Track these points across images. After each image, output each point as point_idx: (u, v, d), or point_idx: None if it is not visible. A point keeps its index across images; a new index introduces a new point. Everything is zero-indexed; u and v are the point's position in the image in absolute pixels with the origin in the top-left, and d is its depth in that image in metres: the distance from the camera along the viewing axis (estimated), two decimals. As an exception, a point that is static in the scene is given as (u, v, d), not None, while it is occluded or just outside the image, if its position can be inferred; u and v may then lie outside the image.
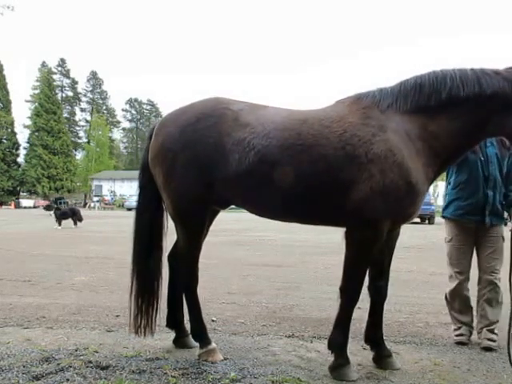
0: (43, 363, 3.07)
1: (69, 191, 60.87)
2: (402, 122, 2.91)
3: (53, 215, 17.43)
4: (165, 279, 3.52)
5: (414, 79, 3.02)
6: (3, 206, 49.50)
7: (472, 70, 2.94)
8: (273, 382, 2.85)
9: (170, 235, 3.46)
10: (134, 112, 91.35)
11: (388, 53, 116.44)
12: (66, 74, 76.30)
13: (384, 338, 3.29)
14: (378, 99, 2.99)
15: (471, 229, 3.75)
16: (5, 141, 57.98)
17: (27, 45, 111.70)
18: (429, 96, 2.93)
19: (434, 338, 3.90)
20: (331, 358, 3.02)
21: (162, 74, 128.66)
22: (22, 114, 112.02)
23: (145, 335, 3.36)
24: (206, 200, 3.15)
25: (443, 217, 3.93)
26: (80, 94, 79.87)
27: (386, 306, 3.31)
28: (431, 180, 3.03)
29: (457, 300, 3.77)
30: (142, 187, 3.46)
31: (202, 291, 3.42)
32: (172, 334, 3.56)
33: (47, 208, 17.81)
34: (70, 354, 3.25)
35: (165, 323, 3.55)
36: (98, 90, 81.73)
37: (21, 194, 60.21)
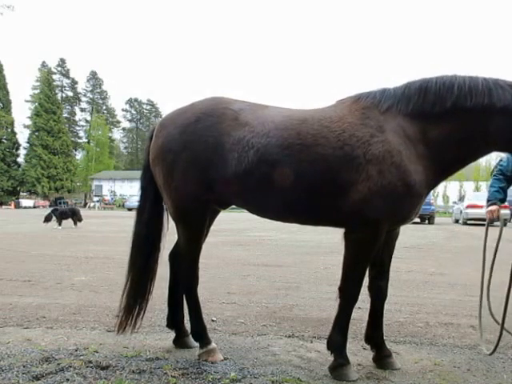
0: (43, 363, 3.07)
1: (69, 191, 60.94)
2: (402, 125, 2.88)
3: (54, 219, 17.10)
4: (165, 279, 3.52)
5: (420, 83, 2.95)
6: (3, 206, 49.53)
7: (485, 79, 2.84)
8: (273, 382, 2.85)
9: (170, 235, 3.46)
10: (133, 112, 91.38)
11: (390, 53, 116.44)
12: (66, 74, 76.34)
13: (384, 337, 3.29)
14: (378, 100, 2.96)
15: None
16: (5, 141, 58.03)
17: (27, 45, 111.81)
18: (433, 102, 2.86)
19: (434, 337, 3.90)
20: (331, 358, 3.02)
21: (162, 74, 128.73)
22: (21, 114, 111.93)
23: (125, 333, 3.32)
24: (206, 200, 3.14)
25: None
26: (80, 94, 79.94)
27: (386, 306, 3.30)
28: (431, 186, 2.99)
29: None
30: (143, 188, 3.46)
31: (202, 291, 3.42)
32: (172, 334, 3.56)
33: (47, 219, 16.68)
34: (70, 354, 3.25)
35: (165, 323, 3.55)
36: (98, 90, 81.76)
37: (21, 194, 60.23)
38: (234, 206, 3.44)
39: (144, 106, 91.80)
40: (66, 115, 72.68)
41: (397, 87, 3.02)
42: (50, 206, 46.74)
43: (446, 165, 2.96)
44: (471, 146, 2.90)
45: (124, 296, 3.35)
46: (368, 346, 3.33)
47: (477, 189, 40.03)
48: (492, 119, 2.80)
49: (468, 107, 2.81)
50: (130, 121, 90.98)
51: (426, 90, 2.91)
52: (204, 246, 3.35)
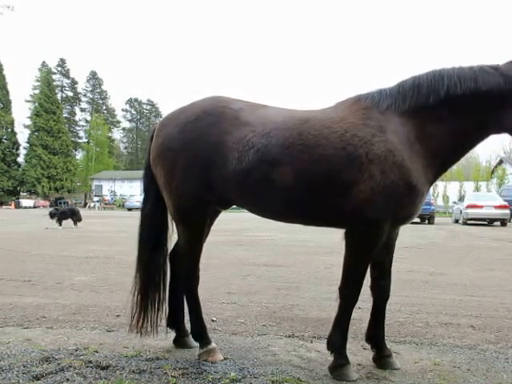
0: (43, 363, 3.07)
1: (69, 191, 61.00)
2: (400, 123, 2.90)
3: (56, 219, 17.30)
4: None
5: (412, 79, 3.01)
6: (3, 206, 49.56)
7: (470, 67, 2.94)
8: (273, 382, 2.85)
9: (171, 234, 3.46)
10: (133, 112, 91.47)
11: (390, 53, 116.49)
12: (66, 74, 76.45)
13: (384, 337, 3.28)
14: (377, 100, 2.99)
15: None
16: (5, 141, 58.09)
17: (27, 45, 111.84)
18: (427, 96, 2.92)
19: (434, 337, 3.89)
20: (331, 358, 3.02)
21: (162, 74, 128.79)
22: (21, 114, 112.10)
23: (147, 335, 3.35)
24: (206, 199, 3.14)
25: None
26: (80, 94, 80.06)
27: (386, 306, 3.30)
28: (431, 181, 3.01)
29: None
30: (145, 188, 3.46)
31: (202, 291, 3.42)
32: (172, 334, 3.56)
33: (51, 215, 17.28)
34: (70, 354, 3.25)
35: (165, 323, 3.55)
36: (98, 90, 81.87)
37: (21, 194, 60.26)
38: (234, 206, 3.43)
39: (144, 106, 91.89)
40: (65, 115, 72.78)
41: (391, 87, 3.05)
42: (50, 205, 46.86)
43: (445, 157, 2.98)
44: (468, 133, 2.94)
45: (136, 298, 3.34)
46: (368, 346, 3.33)
47: (477, 189, 39.98)
48: (481, 103, 2.86)
49: (459, 95, 2.87)
50: (130, 121, 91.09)
51: (418, 85, 2.96)
52: (204, 246, 3.35)
